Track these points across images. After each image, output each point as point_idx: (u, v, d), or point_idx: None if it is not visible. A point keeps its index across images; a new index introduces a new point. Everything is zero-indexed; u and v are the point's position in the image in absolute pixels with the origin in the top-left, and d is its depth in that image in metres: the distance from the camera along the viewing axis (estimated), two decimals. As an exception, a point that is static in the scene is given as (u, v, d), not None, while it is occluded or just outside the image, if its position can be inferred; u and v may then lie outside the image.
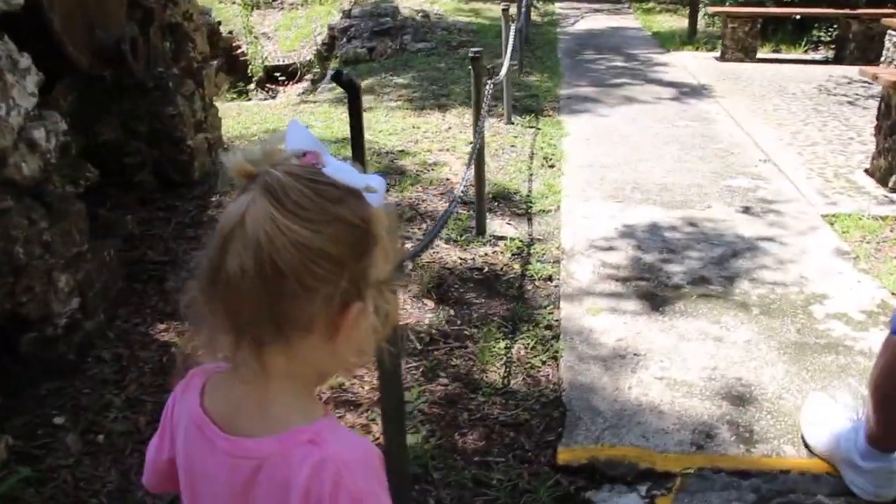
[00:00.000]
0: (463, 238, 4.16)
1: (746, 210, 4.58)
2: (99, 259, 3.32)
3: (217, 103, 8.18)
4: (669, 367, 2.95)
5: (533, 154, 5.65)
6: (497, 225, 4.38)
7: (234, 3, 12.61)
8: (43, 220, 2.84)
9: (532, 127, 6.39)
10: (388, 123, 6.50)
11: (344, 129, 6.30)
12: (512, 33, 6.14)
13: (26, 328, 2.80)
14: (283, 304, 0.75)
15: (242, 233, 0.74)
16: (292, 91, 10.73)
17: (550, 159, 5.53)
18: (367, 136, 6.10)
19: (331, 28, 11.09)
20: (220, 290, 0.76)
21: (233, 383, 0.83)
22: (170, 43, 4.89)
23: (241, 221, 0.74)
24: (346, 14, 11.05)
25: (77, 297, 3.05)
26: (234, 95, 10.56)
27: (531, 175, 5.22)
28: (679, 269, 3.79)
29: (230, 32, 11.26)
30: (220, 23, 10.66)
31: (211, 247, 0.78)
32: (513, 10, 7.71)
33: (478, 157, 4.14)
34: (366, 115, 6.85)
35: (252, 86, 11.14)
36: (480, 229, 4.21)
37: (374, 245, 0.80)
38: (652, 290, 3.58)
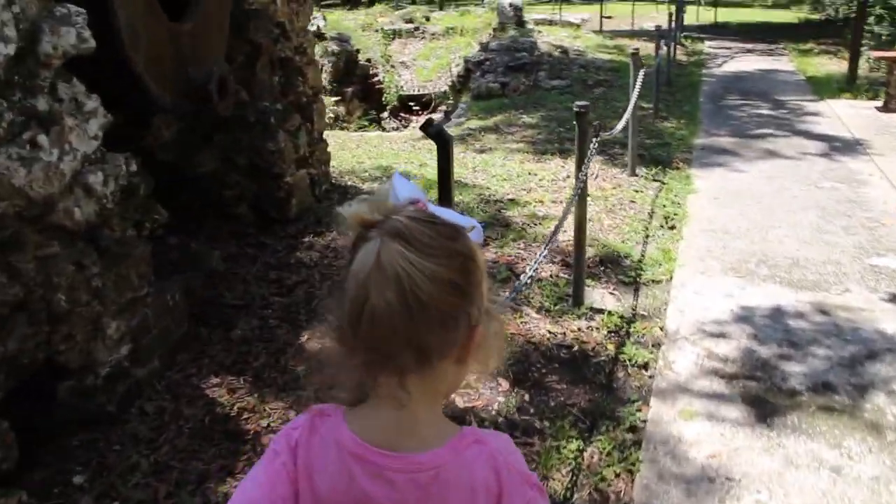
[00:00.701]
0: (557, 308, 3.76)
1: (894, 299, 3.88)
2: (161, 303, 3.21)
3: (342, 132, 8.25)
4: (767, 503, 2.42)
5: (653, 212, 5.14)
6: (598, 294, 3.94)
7: (377, 31, 12.79)
8: (94, 266, 2.74)
9: (657, 181, 5.87)
10: (504, 168, 6.20)
11: (459, 171, 6.07)
12: (640, 78, 5.66)
13: (64, 376, 2.70)
14: (426, 333, 0.83)
15: (381, 273, 0.81)
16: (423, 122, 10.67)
17: (671, 219, 5.01)
18: (480, 180, 5.86)
19: (467, 61, 10.97)
20: (365, 327, 0.83)
21: (378, 411, 0.90)
22: (279, 77, 4.83)
23: (378, 263, 0.81)
24: (484, 47, 10.88)
25: (129, 343, 2.94)
26: (366, 123, 10.64)
27: (647, 237, 4.72)
28: (799, 369, 3.21)
29: (368, 60, 11.39)
30: (358, 51, 10.79)
31: (350, 290, 0.84)
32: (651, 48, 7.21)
33: (578, 221, 3.74)
34: (483, 157, 6.68)
35: (385, 114, 11.19)
36: (577, 299, 3.79)
37: (482, 274, 0.89)
38: (762, 394, 3.04)
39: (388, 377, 0.85)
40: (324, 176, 5.39)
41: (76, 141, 2.58)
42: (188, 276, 4.02)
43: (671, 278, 4.11)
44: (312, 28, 10.78)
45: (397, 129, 10.76)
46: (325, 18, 11.39)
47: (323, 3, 17.21)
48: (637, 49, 6.08)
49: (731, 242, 4.61)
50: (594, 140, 3.76)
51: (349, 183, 5.80)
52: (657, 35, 8.66)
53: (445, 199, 3.27)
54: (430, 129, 3.42)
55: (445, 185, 3.20)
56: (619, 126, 4.76)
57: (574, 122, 3.64)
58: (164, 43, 3.22)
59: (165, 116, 4.24)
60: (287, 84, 4.92)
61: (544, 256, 4.34)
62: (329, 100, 9.96)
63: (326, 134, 7.97)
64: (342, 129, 9.68)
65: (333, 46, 10.49)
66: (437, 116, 10.77)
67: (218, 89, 3.49)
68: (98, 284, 2.76)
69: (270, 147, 4.51)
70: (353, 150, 7.00)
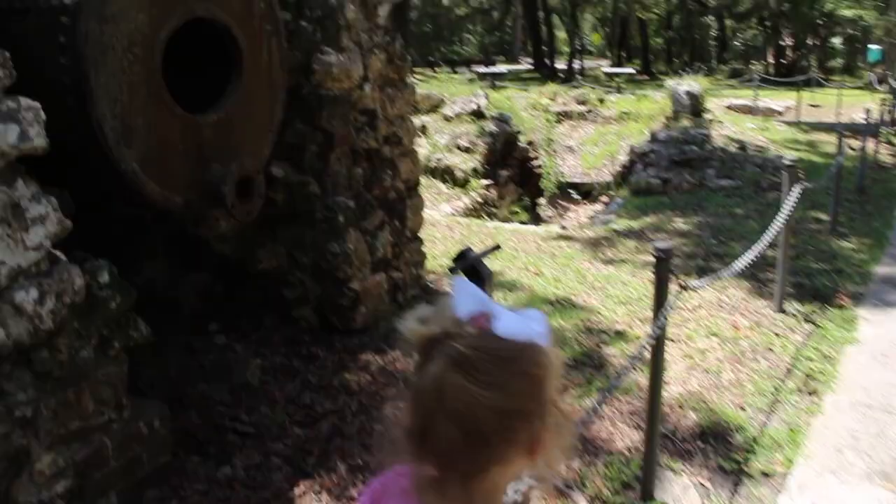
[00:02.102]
0: (616, 500, 2.89)
1: None
2: (129, 430, 2.78)
3: (478, 220, 7.75)
4: None
5: (792, 368, 4.06)
6: (679, 487, 3.01)
7: (545, 111, 12.31)
8: (23, 392, 2.35)
9: (809, 321, 4.71)
10: (625, 288, 5.34)
11: (573, 288, 5.32)
12: (796, 193, 4.63)
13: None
14: (488, 455, 0.87)
15: (443, 405, 0.84)
16: (583, 213, 9.94)
17: (813, 381, 3.91)
18: (592, 300, 5.06)
19: (632, 151, 10.14)
20: (429, 447, 0.87)
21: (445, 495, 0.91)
22: (364, 169, 4.41)
23: (440, 395, 0.84)
24: (652, 137, 10.01)
25: (69, 479, 2.52)
26: (518, 209, 10.10)
27: (774, 403, 3.68)
28: None
29: (530, 143, 10.90)
30: (519, 132, 10.35)
31: (414, 409, 0.87)
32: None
33: (652, 387, 2.89)
34: (607, 272, 5.82)
35: (542, 200, 10.59)
36: (647, 491, 2.90)
37: (551, 377, 0.89)
38: None
39: (456, 480, 0.88)
40: (412, 280, 4.86)
41: (3, 254, 2.22)
42: (209, 388, 3.63)
43: (787, 476, 3.07)
44: (472, 106, 10.55)
45: (551, 217, 10.11)
46: (487, 97, 11.09)
47: (501, 80, 17.14)
48: (794, 162, 4.99)
49: (890, 429, 3.46)
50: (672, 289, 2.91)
51: (446, 285, 5.23)
52: (858, 129, 7.37)
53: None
54: (461, 264, 2.80)
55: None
56: (776, 230, 3.76)
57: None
58: (173, 137, 2.86)
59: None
60: (372, 177, 4.49)
61: (632, 415, 3.51)
62: (480, 183, 9.56)
63: (454, 222, 7.57)
64: (489, 215, 9.20)
65: (492, 127, 10.13)
66: (595, 208, 10.00)
67: (241, 191, 3.07)
68: (25, 414, 2.37)
69: (335, 248, 4.06)
70: (472, 246, 6.44)
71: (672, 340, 4.26)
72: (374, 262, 4.37)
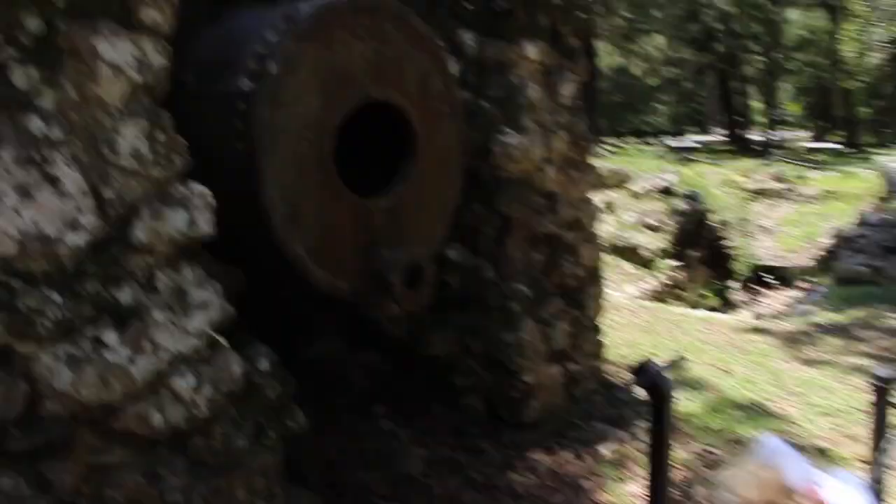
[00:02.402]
0: None
1: None
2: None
3: (662, 305, 7.23)
4: None
5: None
6: None
7: (740, 189, 11.52)
8: (176, 477, 2.29)
9: None
10: (832, 396, 4.64)
11: (769, 392, 4.70)
12: None
13: None
14: None
15: None
16: (778, 300, 9.05)
17: None
18: (792, 408, 4.41)
19: (837, 234, 9.14)
20: None
21: None
22: (542, 255, 4.17)
23: None
24: (861, 220, 8.97)
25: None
26: (709, 294, 9.38)
27: None
28: None
29: (722, 222, 10.19)
30: (710, 211, 9.72)
31: None
32: None
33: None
34: (808, 373, 5.11)
35: (735, 284, 9.79)
36: None
37: None
38: None
39: None
40: (590, 372, 4.50)
41: (164, 338, 2.19)
42: (367, 477, 3.47)
43: None
44: (661, 183, 10.07)
45: (744, 302, 9.29)
46: (677, 173, 10.56)
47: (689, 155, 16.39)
48: None
49: None
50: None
51: (627, 381, 4.80)
52: None
53: (657, 475, 2.25)
54: (641, 379, 2.44)
55: (658, 455, 2.19)
56: None
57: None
58: (342, 222, 2.78)
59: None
60: (551, 263, 4.23)
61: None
62: (668, 263, 9.01)
63: (638, 306, 7.09)
64: (677, 298, 8.60)
65: (682, 205, 9.59)
66: (793, 294, 9.06)
67: (410, 280, 2.92)
68: (178, 500, 2.30)
69: (508, 338, 3.83)
70: (658, 335, 5.95)
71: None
72: (549, 353, 4.08)
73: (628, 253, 7.84)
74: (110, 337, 2.07)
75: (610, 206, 8.99)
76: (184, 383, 2.24)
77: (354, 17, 2.72)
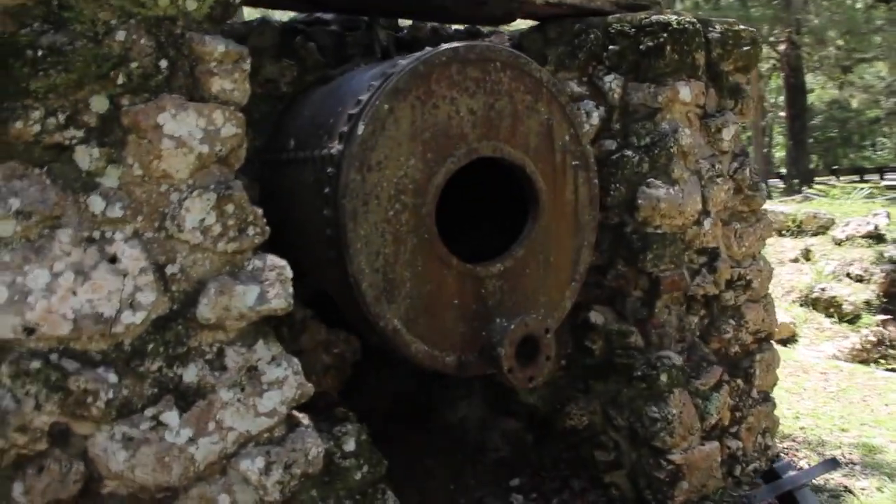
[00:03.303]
0: None
1: None
2: None
3: (862, 367, 6.22)
4: None
5: None
6: None
7: None
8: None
9: None
10: None
11: None
12: None
13: None
14: None
15: None
16: None
17: None
18: None
19: None
20: None
21: None
22: (700, 318, 3.68)
23: None
24: None
25: None
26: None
27: None
28: None
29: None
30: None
31: None
32: None
33: None
34: None
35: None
36: None
37: None
38: None
39: None
40: (758, 449, 3.88)
41: (232, 419, 2.08)
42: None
43: None
44: (868, 228, 8.79)
45: None
46: (888, 215, 9.19)
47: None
48: None
49: None
50: None
51: (803, 458, 4.09)
52: None
53: None
54: (770, 490, 1.94)
55: None
56: None
57: None
58: (446, 291, 2.55)
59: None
60: (710, 328, 3.71)
61: None
62: (874, 319, 7.81)
63: (832, 368, 6.13)
64: (884, 358, 7.42)
65: (893, 251, 8.28)
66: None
67: (524, 352, 2.62)
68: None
69: (653, 412, 3.37)
70: (850, 404, 5.08)
71: None
72: (704, 429, 3.54)
73: (827, 306, 6.85)
74: (170, 417, 1.98)
75: (808, 255, 7.96)
76: (251, 465, 2.10)
77: (460, 69, 2.51)
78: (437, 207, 2.48)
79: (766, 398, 3.97)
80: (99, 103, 1.87)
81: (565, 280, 2.93)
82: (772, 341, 4.02)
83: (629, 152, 3.45)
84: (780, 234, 9.08)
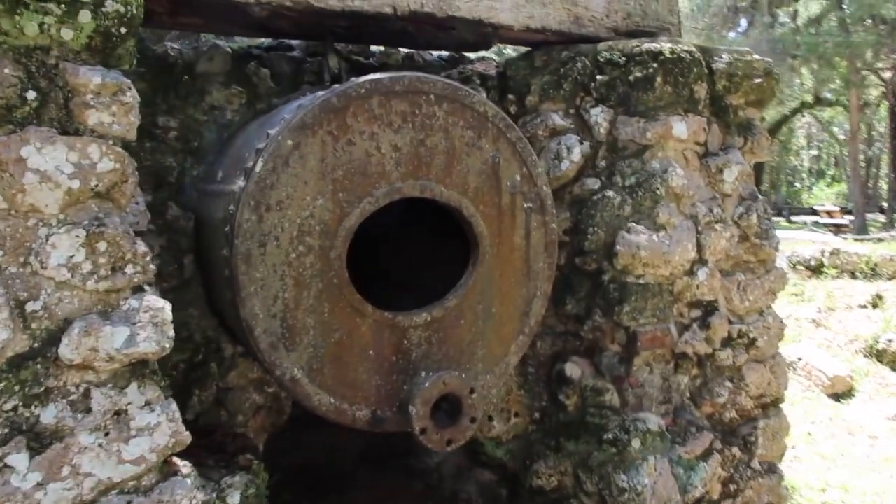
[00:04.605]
0: None
1: None
2: None
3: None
4: None
5: None
6: None
7: None
8: None
9: None
10: None
11: None
12: None
13: None
14: None
15: None
16: None
17: None
18: None
19: None
20: None
21: None
22: (692, 379, 3.36)
23: None
24: None
25: None
26: None
27: None
28: None
29: None
30: None
31: None
32: None
33: None
34: None
35: None
36: None
37: None
38: None
39: None
40: (758, 532, 3.51)
41: (91, 464, 1.98)
42: None
43: None
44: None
45: None
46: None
47: None
48: None
49: None
50: None
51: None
52: None
53: None
54: None
55: None
56: None
57: None
58: (360, 340, 2.38)
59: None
60: (700, 390, 3.39)
61: None
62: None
63: (887, 431, 5.51)
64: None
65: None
66: None
67: (444, 411, 2.43)
68: None
69: (621, 481, 3.08)
70: (892, 477, 4.56)
71: None
72: (686, 502, 3.22)
73: (893, 360, 6.19)
74: (18, 460, 1.90)
75: (878, 301, 7.27)
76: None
77: (383, 102, 2.35)
78: (349, 251, 2.33)
79: (772, 469, 3.58)
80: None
81: (511, 333, 2.70)
82: (780, 406, 3.63)
83: (611, 192, 3.18)
84: (853, 277, 8.40)
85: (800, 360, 6.47)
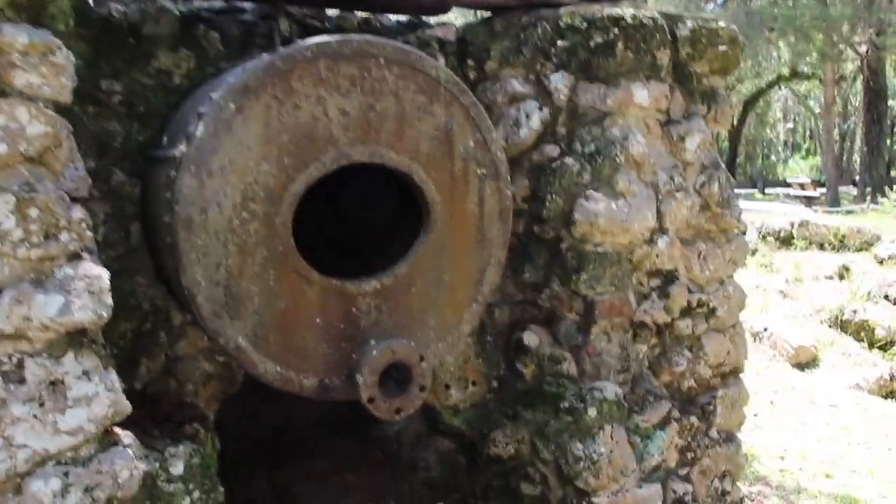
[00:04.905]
0: None
1: None
2: None
3: (887, 401, 5.70)
4: None
5: None
6: None
7: None
8: None
9: None
10: None
11: None
12: None
13: None
14: None
15: None
16: None
17: None
18: None
19: None
20: None
21: None
22: (649, 348, 3.36)
23: None
24: None
25: None
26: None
27: None
28: None
29: None
30: None
31: None
32: None
33: None
34: None
35: None
36: None
37: None
38: None
39: None
40: (712, 496, 3.54)
41: (26, 435, 1.93)
42: None
43: None
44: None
45: None
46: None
47: None
48: None
49: None
50: None
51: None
52: None
53: None
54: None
55: None
56: None
57: None
58: (306, 308, 2.35)
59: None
60: (659, 359, 3.40)
61: None
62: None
63: (848, 401, 5.61)
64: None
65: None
66: None
67: (392, 380, 2.40)
68: None
69: (577, 450, 3.09)
70: (849, 444, 4.62)
71: None
72: (643, 470, 3.24)
73: (858, 330, 6.25)
74: (-52, 432, 1.85)
75: (845, 272, 7.34)
76: (44, 486, 1.95)
77: (331, 66, 2.29)
78: (295, 217, 2.28)
79: (730, 438, 3.61)
80: None
81: (464, 301, 2.68)
82: (740, 376, 3.65)
83: (570, 160, 3.15)
84: (821, 248, 8.47)
85: (766, 330, 6.53)
